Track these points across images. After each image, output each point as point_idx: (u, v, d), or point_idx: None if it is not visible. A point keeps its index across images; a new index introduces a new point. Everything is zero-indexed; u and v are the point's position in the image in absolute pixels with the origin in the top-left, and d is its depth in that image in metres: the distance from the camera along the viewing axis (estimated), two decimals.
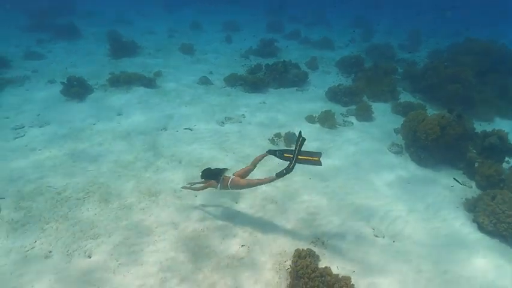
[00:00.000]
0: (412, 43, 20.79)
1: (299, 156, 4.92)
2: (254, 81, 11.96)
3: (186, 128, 8.91)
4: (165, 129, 8.82)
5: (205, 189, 5.58)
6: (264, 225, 5.78)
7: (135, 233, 5.42)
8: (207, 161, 7.39)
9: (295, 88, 12.48)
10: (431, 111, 10.19)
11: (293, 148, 5.02)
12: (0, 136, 8.00)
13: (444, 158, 8.08)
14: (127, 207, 5.95)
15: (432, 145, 7.89)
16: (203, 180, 5.49)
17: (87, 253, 4.98)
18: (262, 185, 5.51)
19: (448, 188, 7.33)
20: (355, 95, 11.41)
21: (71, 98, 10.24)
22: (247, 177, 5.34)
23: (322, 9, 28.47)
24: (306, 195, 6.64)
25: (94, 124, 8.84)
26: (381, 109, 11.04)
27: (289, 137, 8.56)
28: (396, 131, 9.54)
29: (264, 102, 10.97)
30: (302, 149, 4.94)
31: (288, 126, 9.31)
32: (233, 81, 12.28)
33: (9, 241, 5.11)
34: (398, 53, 18.19)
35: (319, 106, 10.76)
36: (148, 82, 11.61)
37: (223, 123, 9.38)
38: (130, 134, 8.43)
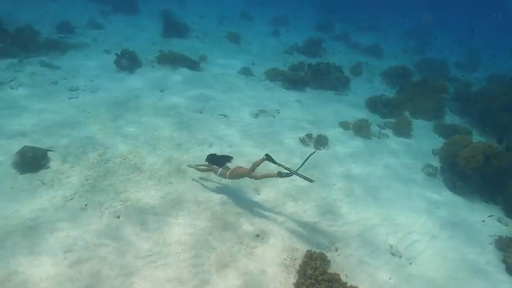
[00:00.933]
0: (470, 62, 19.34)
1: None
2: (294, 79, 11.94)
3: (220, 114, 9.19)
4: (201, 112, 9.18)
5: (207, 172, 6.14)
6: (281, 221, 5.90)
7: (160, 203, 5.81)
8: (236, 149, 7.61)
9: (334, 92, 12.29)
10: (478, 139, 9.56)
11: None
12: (57, 95, 8.83)
13: (482, 190, 7.60)
14: (157, 178, 6.36)
15: (471, 174, 7.44)
16: (207, 163, 5.94)
17: (116, 213, 5.44)
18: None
19: (480, 222, 6.90)
20: (396, 107, 11.00)
21: (122, 70, 10.97)
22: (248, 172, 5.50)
23: (378, 14, 27.28)
24: (328, 199, 6.64)
25: (138, 97, 9.42)
26: (421, 126, 10.56)
27: (320, 140, 8.51)
28: (434, 152, 9.09)
29: (300, 101, 10.95)
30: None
31: (321, 128, 9.24)
32: (273, 75, 12.36)
33: (53, 189, 5.73)
34: (452, 70, 17.04)
35: (355, 113, 10.53)
36: (193, 64, 12.07)
37: (257, 115, 9.54)
38: (169, 111, 8.89)
